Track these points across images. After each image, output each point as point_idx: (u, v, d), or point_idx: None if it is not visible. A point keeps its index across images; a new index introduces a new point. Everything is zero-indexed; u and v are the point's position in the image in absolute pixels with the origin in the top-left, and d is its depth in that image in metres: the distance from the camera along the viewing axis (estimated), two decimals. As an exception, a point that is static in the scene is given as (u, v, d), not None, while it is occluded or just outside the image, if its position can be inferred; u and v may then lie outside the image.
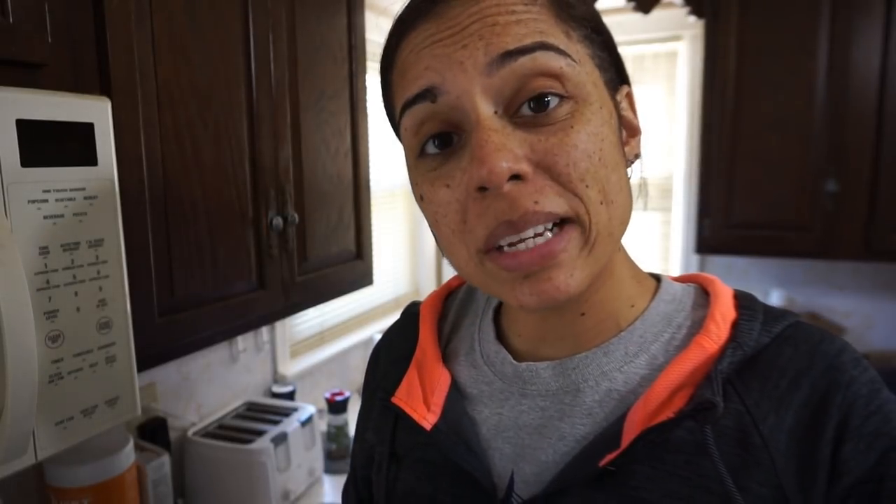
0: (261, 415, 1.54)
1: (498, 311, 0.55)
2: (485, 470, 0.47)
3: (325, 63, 1.25)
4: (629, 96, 0.48)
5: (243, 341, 1.67)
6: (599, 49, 0.44)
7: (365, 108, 1.38)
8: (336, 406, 1.71)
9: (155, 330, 0.89)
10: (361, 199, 1.39)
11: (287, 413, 1.53)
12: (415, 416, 0.50)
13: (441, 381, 0.52)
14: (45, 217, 0.63)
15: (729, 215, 2.08)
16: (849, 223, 1.92)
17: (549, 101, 0.40)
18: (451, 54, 0.40)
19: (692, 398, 0.41)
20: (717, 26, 2.03)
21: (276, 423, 1.47)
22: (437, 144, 0.43)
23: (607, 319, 0.47)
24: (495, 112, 0.40)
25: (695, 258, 2.49)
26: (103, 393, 0.70)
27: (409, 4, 0.44)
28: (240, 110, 1.03)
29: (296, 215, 1.15)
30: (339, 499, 1.52)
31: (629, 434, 0.41)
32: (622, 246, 0.49)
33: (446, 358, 0.55)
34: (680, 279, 0.53)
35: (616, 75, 0.46)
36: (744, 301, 0.47)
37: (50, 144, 0.64)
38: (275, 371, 1.81)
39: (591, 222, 0.40)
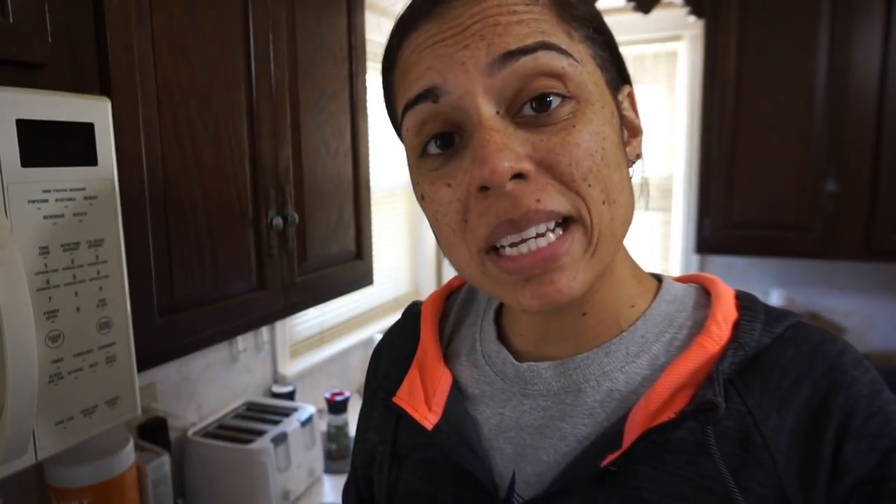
0: (261, 415, 1.54)
1: (499, 311, 0.55)
2: (486, 470, 0.47)
3: (325, 63, 1.25)
4: (630, 96, 0.48)
5: (243, 341, 1.67)
6: (601, 49, 0.44)
7: (365, 108, 1.38)
8: (336, 406, 1.71)
9: (155, 330, 0.89)
10: (361, 199, 1.39)
11: (287, 413, 1.53)
12: (416, 417, 0.50)
13: (442, 381, 0.52)
14: (45, 217, 0.63)
15: (729, 215, 2.08)
16: (849, 223, 1.92)
17: (551, 100, 0.40)
18: (452, 54, 0.40)
19: (693, 398, 0.41)
20: (717, 26, 2.03)
21: (276, 423, 1.47)
22: (439, 144, 0.43)
23: (608, 319, 0.47)
24: (497, 112, 0.40)
25: (695, 258, 2.49)
26: (103, 393, 0.70)
27: (410, 4, 0.44)
28: (240, 110, 1.03)
29: (296, 215, 1.15)
30: (339, 499, 1.52)
31: (630, 434, 0.41)
32: (623, 246, 0.49)
33: (447, 358, 0.55)
34: (681, 279, 0.53)
35: (617, 75, 0.46)
36: (745, 301, 0.47)
37: (50, 144, 0.64)
38: (275, 371, 1.81)
39: (594, 222, 0.40)
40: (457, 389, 0.52)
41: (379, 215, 2.30)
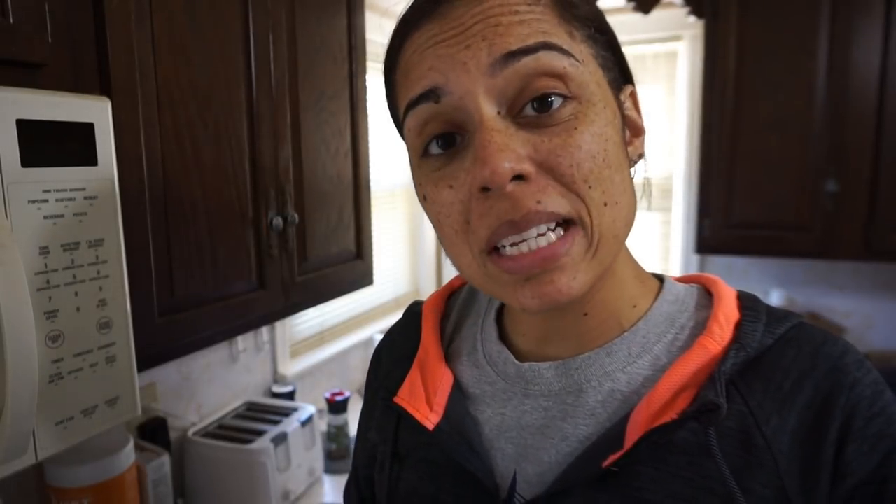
0: (261, 415, 1.53)
1: (500, 311, 0.55)
2: (487, 470, 0.46)
3: (325, 63, 1.25)
4: (633, 96, 0.48)
5: (243, 341, 1.66)
6: (603, 49, 0.44)
7: (365, 108, 1.38)
8: (336, 406, 1.71)
9: (155, 330, 0.89)
10: (361, 199, 1.39)
11: (287, 413, 1.53)
12: (417, 416, 0.50)
13: (443, 381, 0.52)
14: (45, 217, 0.63)
15: (729, 215, 2.08)
16: (849, 223, 1.92)
17: (552, 101, 0.40)
18: (454, 55, 0.40)
19: (695, 399, 0.41)
20: (717, 26, 2.03)
21: (276, 423, 1.47)
22: (441, 145, 0.43)
23: (610, 319, 0.47)
24: (498, 112, 0.40)
25: (695, 258, 2.49)
26: (103, 393, 0.70)
27: (412, 4, 0.44)
28: (240, 110, 1.03)
29: (296, 215, 1.15)
30: (339, 499, 1.52)
31: (632, 435, 0.41)
32: (625, 246, 0.49)
33: (449, 358, 0.55)
34: (683, 279, 0.53)
35: (620, 75, 0.46)
36: (747, 302, 0.47)
37: (50, 144, 0.64)
38: (275, 371, 1.81)
39: (594, 224, 0.40)
40: (458, 389, 0.51)
41: (379, 215, 2.30)
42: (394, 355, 0.59)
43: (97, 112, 0.69)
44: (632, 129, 0.47)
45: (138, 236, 0.85)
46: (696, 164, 2.25)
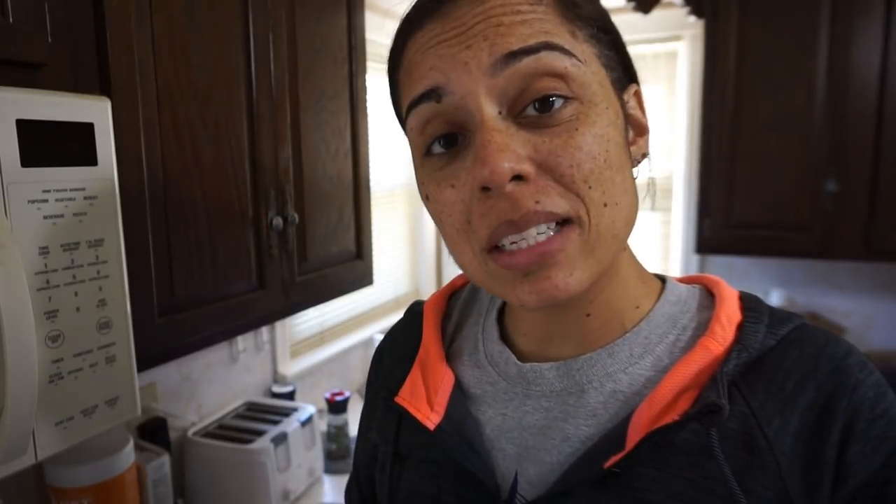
0: (261, 415, 1.53)
1: (502, 311, 0.55)
2: (488, 470, 0.46)
3: (325, 63, 1.25)
4: (637, 95, 0.48)
5: (243, 341, 1.66)
6: (607, 48, 0.44)
7: (365, 108, 1.38)
8: (336, 406, 1.71)
9: (155, 330, 0.89)
10: (361, 199, 1.39)
11: (287, 413, 1.52)
12: (418, 416, 0.50)
13: (445, 381, 0.52)
14: (45, 217, 0.63)
15: (729, 215, 2.08)
16: (849, 223, 1.92)
17: (553, 101, 0.40)
18: (455, 55, 0.40)
19: (697, 400, 0.41)
20: (717, 26, 2.03)
21: (276, 423, 1.47)
22: (443, 144, 0.43)
23: (613, 320, 0.47)
24: (499, 112, 0.40)
25: (695, 258, 2.49)
26: (103, 393, 0.70)
27: (415, 4, 0.44)
28: (240, 110, 1.03)
29: (296, 215, 1.15)
30: (339, 499, 1.52)
31: (634, 436, 0.41)
32: (628, 246, 0.49)
33: (450, 358, 0.55)
34: (685, 280, 0.53)
35: (624, 74, 0.46)
36: (749, 303, 0.47)
37: (50, 144, 0.64)
38: (275, 371, 1.81)
39: (592, 224, 0.40)
40: (459, 389, 0.51)
41: (379, 215, 2.30)
42: (395, 355, 0.59)
43: (97, 112, 0.69)
44: (636, 129, 0.47)
45: (138, 236, 0.85)
46: (696, 164, 2.25)
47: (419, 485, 0.51)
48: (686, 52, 2.42)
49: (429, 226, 2.71)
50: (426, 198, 0.45)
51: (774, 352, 0.44)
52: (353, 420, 1.73)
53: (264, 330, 1.74)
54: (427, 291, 2.72)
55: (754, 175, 2.03)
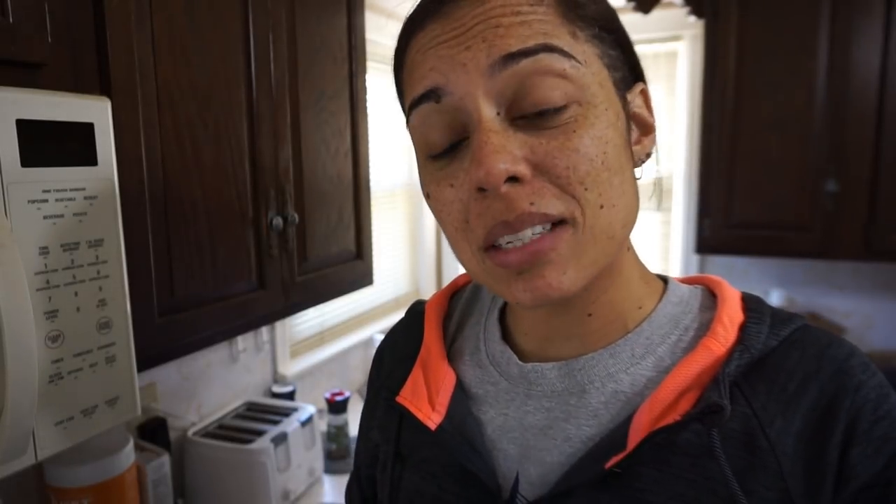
0: (261, 415, 1.53)
1: (503, 310, 0.55)
2: (489, 471, 0.46)
3: (325, 63, 1.25)
4: (644, 93, 0.47)
5: (243, 341, 1.66)
6: (610, 47, 0.44)
7: (365, 108, 1.38)
8: (336, 406, 1.71)
9: (155, 330, 0.88)
10: (361, 199, 1.39)
11: (287, 413, 1.52)
12: (420, 416, 0.50)
13: (446, 380, 0.52)
14: (45, 217, 0.63)
15: (729, 215, 2.08)
16: (849, 223, 1.92)
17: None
18: (454, 56, 0.40)
19: (699, 401, 0.41)
20: (717, 26, 2.03)
21: (276, 423, 1.47)
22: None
23: (615, 321, 0.47)
24: (497, 113, 0.40)
25: (695, 258, 2.49)
26: (103, 393, 0.70)
27: (418, 4, 0.45)
28: (240, 110, 1.03)
29: (296, 215, 1.15)
30: (339, 499, 1.52)
31: (635, 436, 0.41)
32: (632, 246, 0.49)
33: (451, 357, 0.55)
34: (687, 281, 0.53)
35: (630, 73, 0.46)
36: (751, 304, 0.47)
37: (50, 144, 0.64)
38: (275, 371, 1.81)
39: (587, 224, 0.40)
40: (460, 389, 0.51)
41: (379, 215, 2.30)
42: (396, 355, 0.59)
43: (97, 112, 0.69)
44: (641, 128, 0.47)
45: (138, 236, 0.85)
46: (696, 164, 2.25)
47: (420, 484, 0.51)
48: (686, 52, 2.42)
49: (429, 226, 2.71)
50: (427, 196, 0.46)
51: (776, 352, 0.44)
52: (353, 420, 1.73)
53: (264, 330, 1.74)
54: (427, 291, 2.72)
55: (754, 175, 2.03)
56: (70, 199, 0.66)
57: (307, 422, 1.52)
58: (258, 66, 1.06)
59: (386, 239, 2.46)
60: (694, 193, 2.34)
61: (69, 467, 1.00)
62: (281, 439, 1.41)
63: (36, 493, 1.09)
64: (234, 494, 1.37)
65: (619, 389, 0.45)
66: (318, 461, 1.59)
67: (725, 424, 0.41)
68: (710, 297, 0.49)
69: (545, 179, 0.40)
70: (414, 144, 0.46)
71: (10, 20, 0.67)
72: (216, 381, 1.57)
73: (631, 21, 2.28)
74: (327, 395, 1.74)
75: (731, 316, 0.45)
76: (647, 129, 0.47)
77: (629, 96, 0.45)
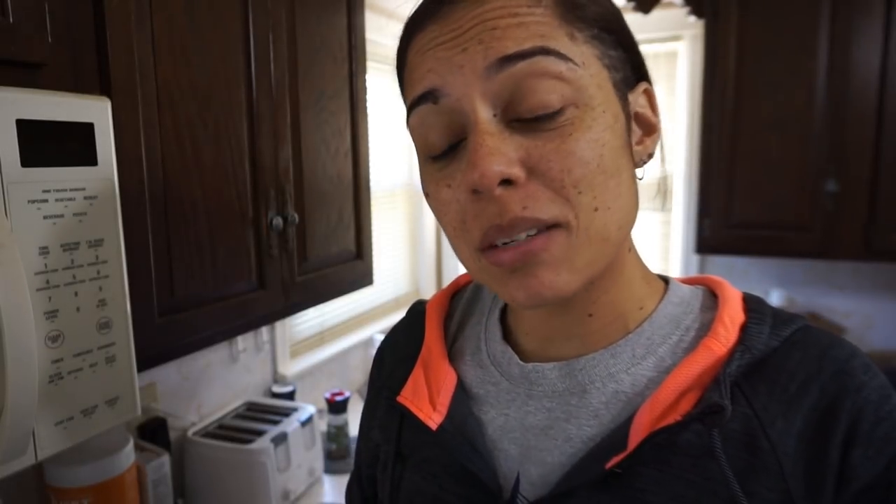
0: (261, 415, 1.53)
1: (504, 310, 0.55)
2: (490, 471, 0.46)
3: (325, 63, 1.25)
4: (648, 93, 0.47)
5: (243, 341, 1.66)
6: (611, 48, 0.43)
7: (365, 108, 1.38)
8: (336, 406, 1.71)
9: (155, 330, 0.88)
10: (361, 199, 1.39)
11: (287, 413, 1.52)
12: (420, 416, 0.50)
13: (447, 380, 0.52)
14: (45, 217, 0.63)
15: (729, 215, 2.08)
16: (849, 223, 1.92)
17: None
18: (451, 58, 0.41)
19: (700, 401, 0.41)
20: (717, 26, 2.03)
21: (276, 423, 1.47)
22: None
23: (616, 321, 0.47)
24: (494, 115, 0.40)
25: (695, 258, 2.49)
26: (103, 393, 0.70)
27: (419, 5, 0.45)
28: (240, 110, 1.03)
29: (296, 215, 1.15)
30: (339, 499, 1.52)
31: (636, 436, 0.41)
32: (633, 247, 0.49)
33: (452, 357, 0.55)
34: (688, 281, 0.53)
35: (632, 73, 0.46)
36: (752, 304, 0.47)
37: (50, 144, 0.64)
38: (275, 371, 1.81)
39: (581, 227, 0.40)
40: (461, 389, 0.51)
41: (379, 215, 2.30)
42: (397, 354, 0.59)
43: (97, 112, 0.69)
44: (644, 128, 0.47)
45: (138, 236, 0.85)
46: (696, 164, 2.25)
47: (421, 484, 0.51)
48: (686, 52, 2.42)
49: (429, 226, 2.71)
50: (427, 195, 0.46)
51: (778, 353, 0.43)
52: (353, 420, 1.73)
53: (264, 330, 1.74)
54: (427, 291, 2.72)
55: (754, 175, 2.03)
56: (70, 199, 0.66)
57: (307, 422, 1.52)
58: (258, 66, 1.06)
59: (386, 239, 2.46)
60: (694, 193, 2.34)
61: (69, 467, 1.00)
62: (281, 439, 1.41)
63: (36, 493, 1.09)
64: (234, 494, 1.37)
65: (619, 389, 0.45)
66: (318, 461, 1.59)
67: (726, 425, 0.41)
68: (712, 297, 0.49)
69: (540, 182, 0.40)
70: (414, 144, 0.46)
71: (10, 20, 0.67)
72: (216, 381, 1.57)
73: (631, 21, 2.28)
74: (327, 395, 1.74)
75: (733, 316, 0.45)
76: (649, 129, 0.47)
77: (631, 96, 0.45)
